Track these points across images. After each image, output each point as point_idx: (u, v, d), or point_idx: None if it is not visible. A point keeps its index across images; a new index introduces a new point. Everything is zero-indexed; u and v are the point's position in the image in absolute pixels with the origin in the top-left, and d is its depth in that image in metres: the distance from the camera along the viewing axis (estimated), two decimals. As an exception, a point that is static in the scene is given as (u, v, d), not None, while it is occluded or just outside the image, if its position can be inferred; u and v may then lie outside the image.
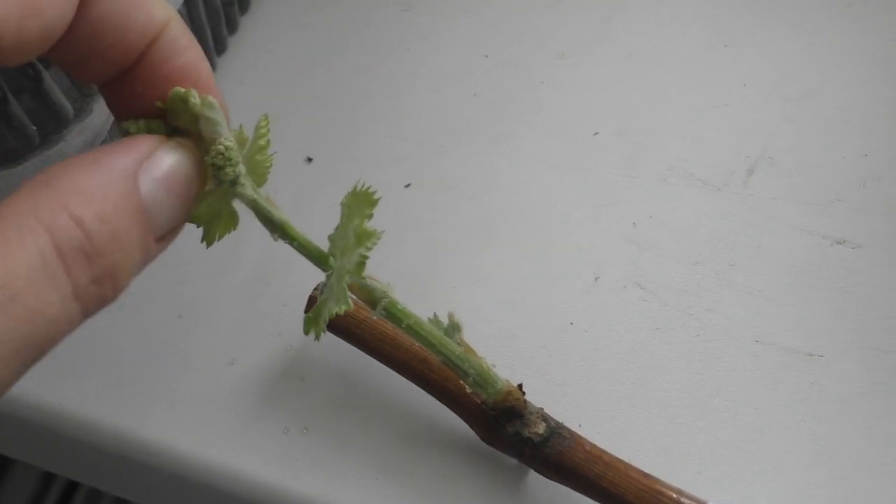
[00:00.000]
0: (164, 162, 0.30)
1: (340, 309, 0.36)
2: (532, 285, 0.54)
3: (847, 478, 0.46)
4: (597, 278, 0.53)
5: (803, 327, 0.51)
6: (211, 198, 0.36)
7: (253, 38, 0.67)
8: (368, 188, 0.35)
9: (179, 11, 0.55)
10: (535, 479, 0.47)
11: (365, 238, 0.35)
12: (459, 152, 0.60)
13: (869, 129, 0.57)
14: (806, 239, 0.53)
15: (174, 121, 0.33)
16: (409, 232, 0.57)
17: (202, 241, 0.39)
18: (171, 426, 0.51)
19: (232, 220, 0.37)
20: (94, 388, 0.52)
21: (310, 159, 0.61)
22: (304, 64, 0.66)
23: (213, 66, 0.64)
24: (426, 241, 0.56)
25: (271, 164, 0.37)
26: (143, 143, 0.29)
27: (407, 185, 0.59)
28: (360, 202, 0.35)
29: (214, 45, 0.64)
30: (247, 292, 0.56)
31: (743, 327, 0.51)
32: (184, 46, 0.31)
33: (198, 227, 0.37)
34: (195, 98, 0.32)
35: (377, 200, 0.35)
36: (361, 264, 0.36)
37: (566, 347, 0.51)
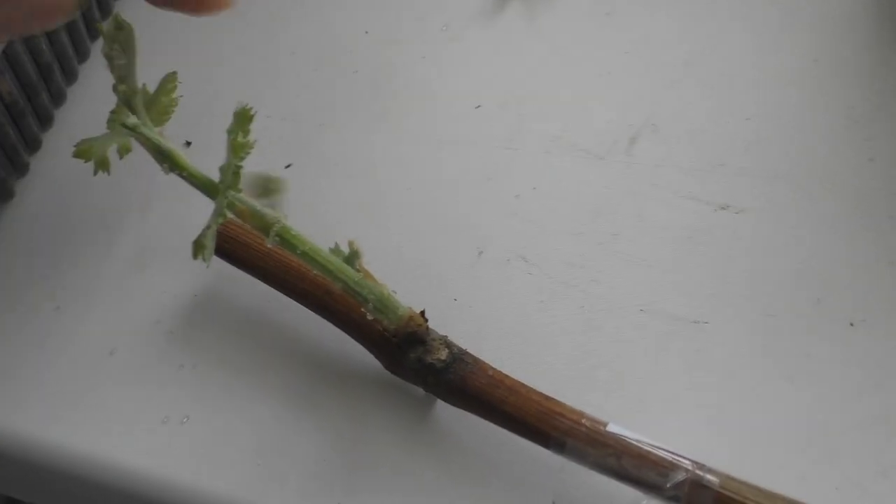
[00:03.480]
0: None
1: (217, 221, 0.37)
2: (415, 262, 0.53)
3: (736, 443, 0.46)
4: (480, 253, 0.53)
5: (688, 294, 0.50)
6: (100, 139, 0.37)
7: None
8: (245, 106, 0.36)
9: None
10: (441, 408, 0.47)
11: (238, 149, 0.36)
12: (340, 131, 0.59)
13: (751, 94, 0.57)
14: (689, 205, 0.53)
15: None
16: (291, 212, 0.55)
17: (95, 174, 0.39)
18: (46, 418, 0.50)
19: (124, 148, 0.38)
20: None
21: (188, 143, 0.59)
22: (180, 47, 0.64)
23: (87, 53, 0.62)
24: (308, 221, 0.55)
25: (175, 105, 0.38)
26: None
27: (287, 166, 0.57)
28: (239, 121, 0.36)
29: (87, 31, 0.62)
30: (125, 280, 0.54)
31: (627, 297, 0.50)
32: None
33: (85, 162, 0.38)
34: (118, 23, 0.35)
35: (253, 115, 0.37)
36: (236, 174, 0.37)
37: (450, 324, 0.50)
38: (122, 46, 0.36)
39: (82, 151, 0.39)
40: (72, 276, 0.55)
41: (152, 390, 0.50)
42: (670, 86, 0.58)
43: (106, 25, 0.37)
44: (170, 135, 0.59)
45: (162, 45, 0.64)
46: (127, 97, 0.38)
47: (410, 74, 0.61)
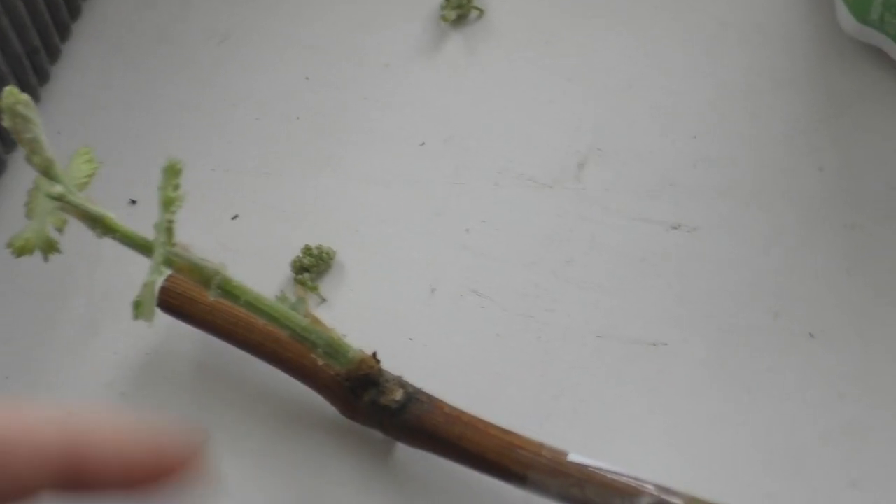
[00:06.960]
0: None
1: (154, 278, 0.37)
2: (368, 304, 0.52)
3: (702, 463, 0.45)
4: (433, 290, 0.52)
5: (644, 317, 0.50)
6: (32, 226, 0.36)
7: (67, 85, 0.64)
8: (172, 161, 0.36)
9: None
10: (401, 450, 0.47)
11: (169, 204, 0.36)
12: (286, 178, 0.58)
13: (696, 111, 0.57)
14: (641, 227, 0.52)
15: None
16: (240, 264, 0.54)
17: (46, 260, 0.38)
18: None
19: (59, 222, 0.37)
20: None
21: (133, 201, 0.58)
22: (121, 106, 0.63)
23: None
24: (258, 271, 0.54)
25: (94, 172, 0.37)
26: None
27: (234, 217, 0.57)
28: (168, 176, 0.36)
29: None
30: (75, 343, 0.53)
31: (584, 324, 0.50)
32: None
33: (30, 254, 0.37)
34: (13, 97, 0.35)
35: (181, 169, 0.36)
36: (169, 230, 0.36)
37: (406, 364, 0.49)
38: (23, 119, 0.35)
39: (21, 247, 0.38)
40: (21, 342, 0.54)
41: (107, 454, 0.49)
42: (614, 109, 0.57)
43: (3, 98, 0.36)
44: (114, 194, 0.58)
45: (103, 103, 0.63)
46: (44, 168, 0.37)
47: (353, 116, 0.60)
